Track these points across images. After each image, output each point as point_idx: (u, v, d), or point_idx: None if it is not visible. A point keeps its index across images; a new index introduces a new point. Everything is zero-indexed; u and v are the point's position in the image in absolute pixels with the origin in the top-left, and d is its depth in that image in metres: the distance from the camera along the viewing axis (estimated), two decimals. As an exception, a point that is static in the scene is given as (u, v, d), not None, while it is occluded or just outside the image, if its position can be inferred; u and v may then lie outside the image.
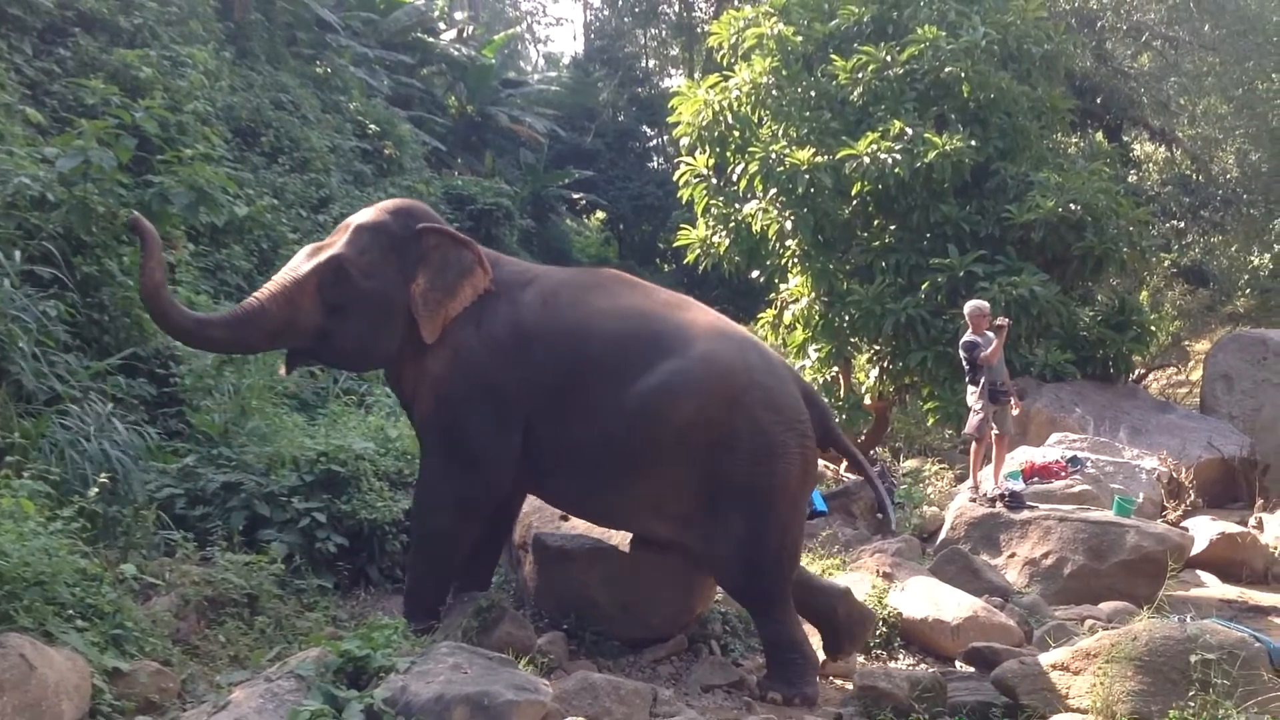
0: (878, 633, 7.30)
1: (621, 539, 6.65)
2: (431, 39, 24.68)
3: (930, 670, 6.63)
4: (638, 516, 6.34)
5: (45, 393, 6.59)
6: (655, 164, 30.97)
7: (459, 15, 30.49)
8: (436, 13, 25.13)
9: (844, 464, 14.09)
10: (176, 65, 11.81)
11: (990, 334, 9.46)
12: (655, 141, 31.61)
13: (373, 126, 18.06)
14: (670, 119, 15.90)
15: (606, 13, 34.28)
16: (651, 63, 34.00)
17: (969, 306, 9.76)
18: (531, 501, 7.03)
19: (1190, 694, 5.05)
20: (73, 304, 7.30)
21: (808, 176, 13.64)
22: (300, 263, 6.26)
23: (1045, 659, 5.85)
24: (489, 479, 6.26)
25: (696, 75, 23.82)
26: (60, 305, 7.06)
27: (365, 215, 6.40)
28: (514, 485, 6.48)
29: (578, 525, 6.80)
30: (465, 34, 27.06)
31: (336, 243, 6.26)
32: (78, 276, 7.45)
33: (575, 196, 27.40)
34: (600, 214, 29.77)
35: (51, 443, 6.13)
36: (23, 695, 4.04)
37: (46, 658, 4.20)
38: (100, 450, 6.25)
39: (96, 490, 5.53)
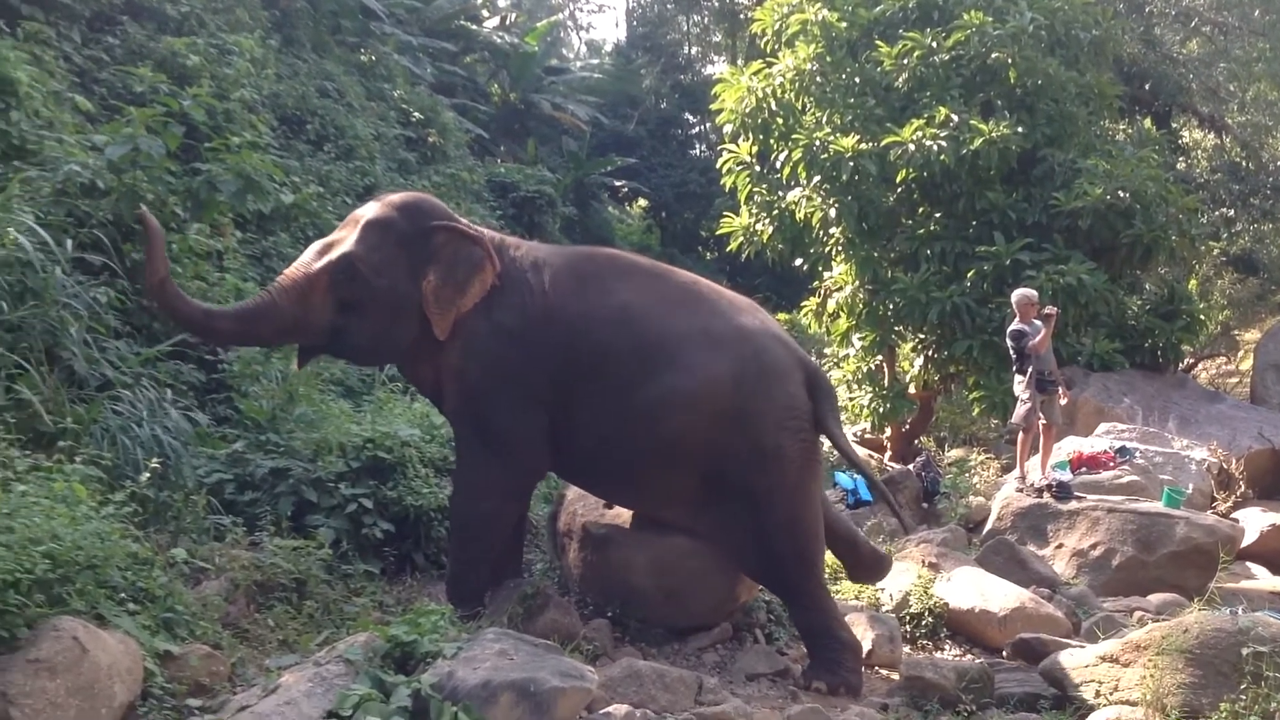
0: (924, 623, 7.29)
1: (666, 527, 6.63)
2: (475, 26, 24.76)
3: (977, 661, 6.62)
4: (649, 504, 6.50)
5: (96, 379, 6.64)
6: (698, 151, 30.92)
7: (502, 3, 30.59)
8: (480, 0, 25.16)
9: (887, 453, 14.07)
10: (223, 53, 11.88)
11: (1038, 323, 9.39)
12: (698, 129, 31.53)
13: (417, 114, 18.10)
14: (713, 106, 15.85)
15: (649, -1, 34.20)
16: (694, 49, 33.90)
17: (1017, 295, 9.71)
18: (575, 489, 7.05)
19: (1242, 687, 5.01)
20: (122, 290, 7.35)
21: (852, 164, 13.57)
22: (311, 259, 6.27)
23: (1094, 651, 5.81)
24: (523, 460, 6.35)
25: (740, 62, 23.71)
26: (110, 292, 7.10)
27: (374, 211, 6.35)
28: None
29: (622, 513, 6.80)
30: (508, 21, 27.10)
31: (346, 238, 6.25)
32: (127, 264, 7.49)
33: (617, 184, 27.41)
34: (642, 201, 29.76)
35: (103, 428, 6.17)
36: (76, 677, 4.07)
37: (99, 640, 4.24)
38: (151, 436, 6.30)
39: (148, 475, 5.57)
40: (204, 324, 6.31)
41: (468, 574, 6.41)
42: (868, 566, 7.15)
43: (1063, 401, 9.91)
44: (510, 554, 6.93)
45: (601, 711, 4.79)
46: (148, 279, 6.06)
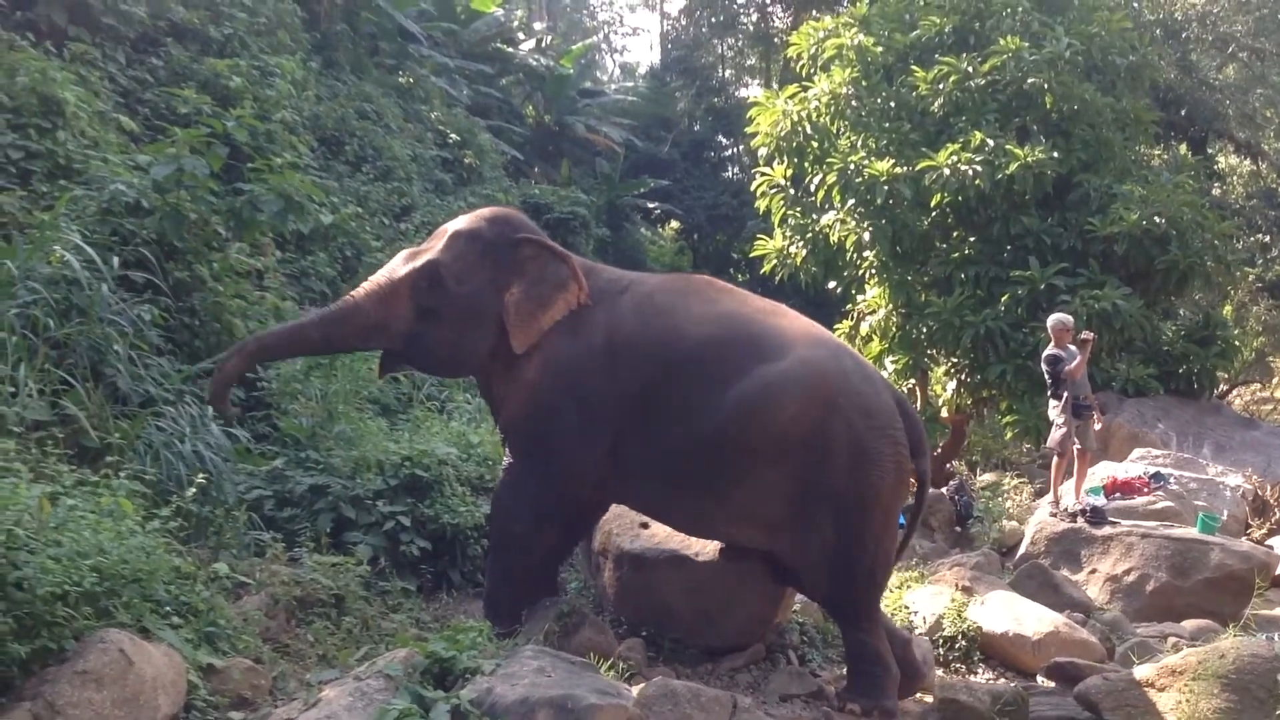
0: (957, 646, 7.29)
1: (701, 547, 6.66)
2: (510, 49, 25.00)
3: (1012, 684, 6.60)
4: (730, 523, 6.28)
5: (139, 395, 6.73)
6: (730, 174, 31.03)
7: (538, 26, 30.80)
8: (516, 23, 25.41)
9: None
10: (265, 75, 12.06)
11: (1073, 348, 9.41)
12: (730, 151, 31.65)
13: (453, 136, 18.31)
14: (748, 129, 15.95)
15: (684, 23, 34.36)
16: (728, 73, 34.04)
17: (1052, 320, 9.71)
18: (611, 509, 7.02)
19: (1277, 713, 5.01)
20: (165, 308, 7.45)
21: (886, 187, 13.63)
22: (398, 265, 6.37)
23: (1130, 675, 5.81)
24: (567, 488, 6.30)
25: (774, 85, 23.80)
26: (154, 310, 7.20)
27: (462, 222, 6.46)
28: (604, 494, 6.52)
29: (657, 533, 6.83)
30: (544, 44, 27.31)
31: (434, 248, 6.35)
32: (170, 282, 7.59)
33: (650, 206, 27.52)
34: (675, 223, 29.85)
35: (146, 444, 6.26)
36: (122, 689, 4.14)
37: (144, 653, 4.30)
38: (193, 452, 6.38)
39: (194, 491, 5.65)
40: (292, 342, 6.51)
41: (503, 593, 6.42)
42: (906, 677, 6.45)
43: (1097, 426, 9.90)
44: (549, 573, 6.95)
45: (638, 730, 4.81)
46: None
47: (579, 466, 6.21)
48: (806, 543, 6.06)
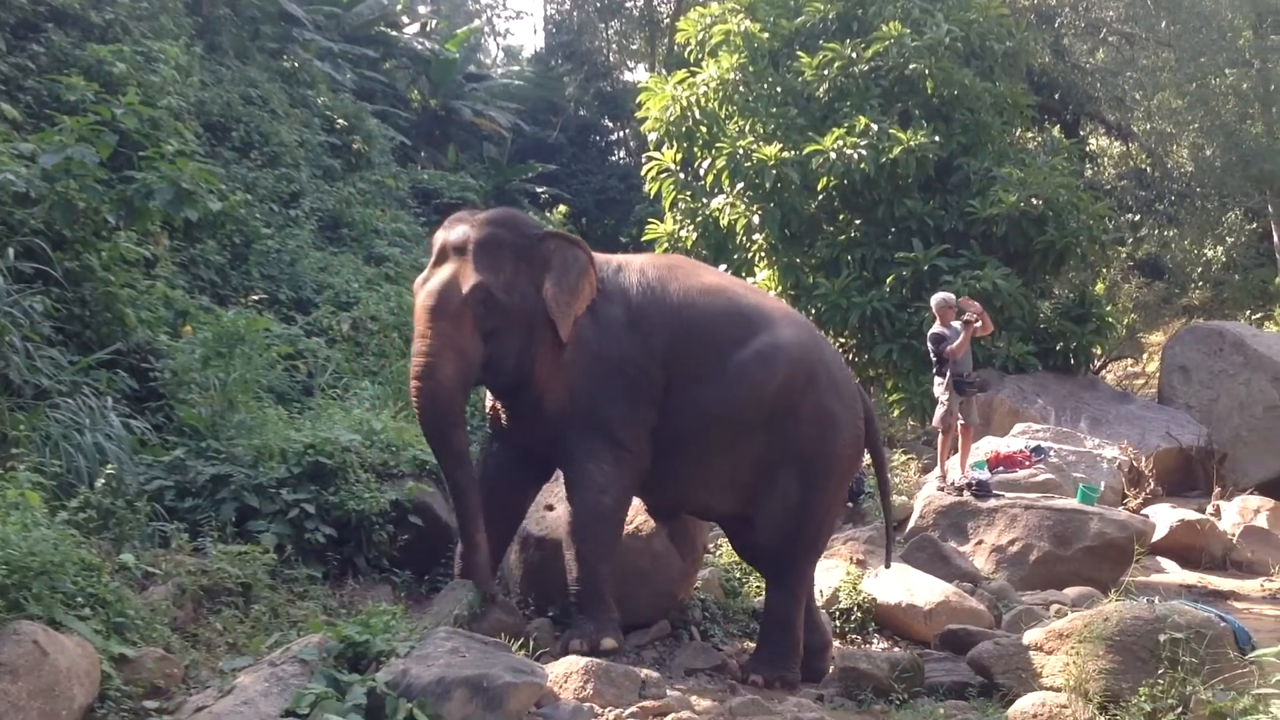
0: (853, 618, 7.52)
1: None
2: (394, 33, 24.68)
3: (907, 652, 6.83)
4: (712, 489, 6.56)
5: (31, 388, 6.63)
6: (617, 158, 30.99)
7: (422, 9, 30.46)
8: (399, 6, 25.10)
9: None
10: (149, 60, 11.80)
11: (957, 325, 9.67)
12: (617, 135, 31.64)
13: (341, 121, 18.05)
14: (638, 114, 16.10)
15: (568, 6, 34.22)
16: (613, 56, 33.99)
17: (936, 299, 9.98)
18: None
19: (1159, 672, 5.23)
20: (57, 299, 7.32)
21: (774, 171, 13.90)
22: (432, 309, 6.20)
23: (1019, 639, 6.06)
24: (637, 454, 6.33)
25: (660, 69, 23.92)
26: (46, 300, 7.08)
27: (475, 232, 6.28)
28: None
29: (562, 515, 6.90)
30: (428, 28, 27.03)
31: (464, 270, 6.19)
32: (59, 271, 7.46)
33: (539, 190, 27.43)
34: (563, 208, 29.75)
35: (44, 436, 6.18)
36: (37, 680, 4.12)
37: (58, 644, 4.28)
38: (94, 444, 6.31)
39: (103, 482, 5.60)
40: (461, 469, 6.43)
41: (600, 578, 6.27)
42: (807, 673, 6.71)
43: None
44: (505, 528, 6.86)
45: (550, 706, 4.93)
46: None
47: (638, 432, 6.33)
48: (769, 503, 6.40)
